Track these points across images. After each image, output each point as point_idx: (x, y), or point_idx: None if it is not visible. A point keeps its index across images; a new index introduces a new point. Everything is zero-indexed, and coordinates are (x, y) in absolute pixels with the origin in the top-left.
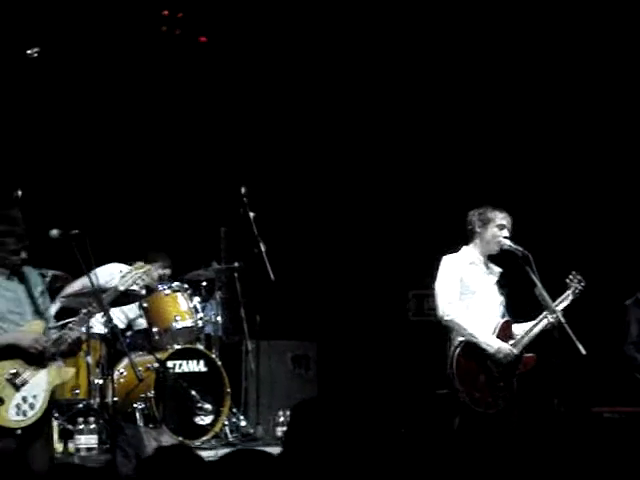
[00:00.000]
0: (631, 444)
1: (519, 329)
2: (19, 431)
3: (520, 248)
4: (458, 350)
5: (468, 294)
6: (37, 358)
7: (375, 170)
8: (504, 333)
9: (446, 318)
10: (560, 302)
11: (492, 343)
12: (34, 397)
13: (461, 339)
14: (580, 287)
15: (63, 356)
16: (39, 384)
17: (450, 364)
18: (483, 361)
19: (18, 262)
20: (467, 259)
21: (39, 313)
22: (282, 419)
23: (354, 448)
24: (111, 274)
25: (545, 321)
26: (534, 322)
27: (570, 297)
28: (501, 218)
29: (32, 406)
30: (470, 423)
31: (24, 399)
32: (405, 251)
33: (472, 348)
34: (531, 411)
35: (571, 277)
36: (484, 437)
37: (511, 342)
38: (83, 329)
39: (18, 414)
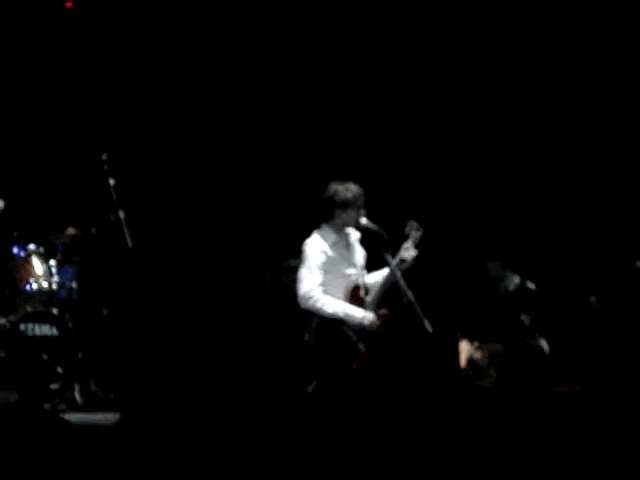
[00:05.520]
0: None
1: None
2: None
3: (376, 227)
4: (317, 322)
5: (333, 273)
6: None
7: (234, 140)
8: (356, 296)
9: (305, 306)
10: (403, 253)
11: (356, 314)
12: None
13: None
14: (419, 234)
15: None
16: None
17: (310, 334)
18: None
19: None
20: (329, 240)
21: None
22: None
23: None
24: None
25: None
26: (382, 282)
27: (412, 246)
28: (361, 197)
29: None
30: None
31: None
32: (263, 223)
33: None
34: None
35: (409, 226)
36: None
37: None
38: None
39: None
